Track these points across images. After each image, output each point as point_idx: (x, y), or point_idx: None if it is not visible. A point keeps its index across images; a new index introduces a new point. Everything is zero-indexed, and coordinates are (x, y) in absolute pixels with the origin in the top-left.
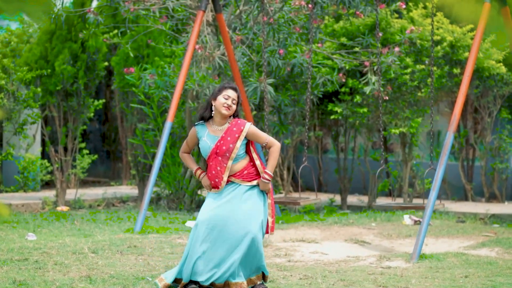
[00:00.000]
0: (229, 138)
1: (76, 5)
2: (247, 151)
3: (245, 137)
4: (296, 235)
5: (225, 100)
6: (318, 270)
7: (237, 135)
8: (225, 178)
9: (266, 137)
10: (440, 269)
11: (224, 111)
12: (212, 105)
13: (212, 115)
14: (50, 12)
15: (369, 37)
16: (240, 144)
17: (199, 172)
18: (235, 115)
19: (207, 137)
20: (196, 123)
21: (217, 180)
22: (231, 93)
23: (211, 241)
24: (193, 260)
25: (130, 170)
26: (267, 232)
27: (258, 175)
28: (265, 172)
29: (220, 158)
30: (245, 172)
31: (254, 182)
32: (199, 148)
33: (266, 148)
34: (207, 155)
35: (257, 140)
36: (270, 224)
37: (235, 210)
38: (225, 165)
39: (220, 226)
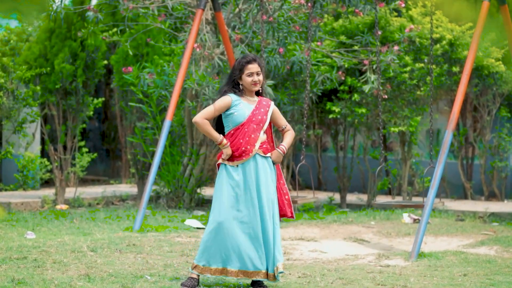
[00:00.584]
0: (262, 110)
1: (75, 3)
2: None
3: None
4: (295, 234)
5: (250, 77)
6: (317, 269)
7: (267, 109)
8: (256, 147)
9: (286, 122)
10: (439, 267)
11: (255, 88)
12: (238, 83)
13: (241, 89)
14: (45, 11)
15: (368, 36)
16: (269, 117)
17: (225, 140)
18: (262, 90)
19: (244, 105)
20: (228, 92)
21: (248, 147)
22: (252, 67)
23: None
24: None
25: (130, 168)
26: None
27: (272, 148)
28: (282, 145)
29: (255, 126)
30: (264, 146)
31: (268, 154)
32: (219, 119)
33: (283, 133)
34: (241, 122)
35: (278, 121)
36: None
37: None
38: (258, 134)
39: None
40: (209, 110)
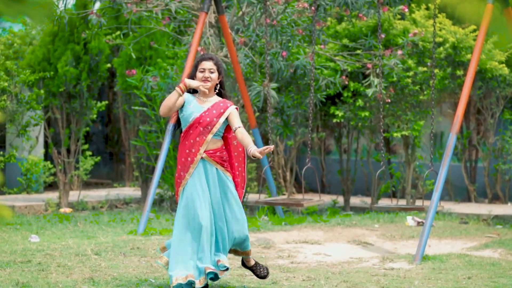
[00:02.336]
0: (214, 112)
1: (78, 7)
2: (224, 137)
3: (226, 119)
4: (299, 237)
5: (202, 73)
6: (321, 272)
7: (222, 111)
8: (201, 151)
9: (240, 123)
10: (443, 270)
11: (205, 85)
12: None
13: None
14: (52, 14)
15: (372, 39)
16: (223, 120)
17: (181, 84)
18: (222, 92)
19: (194, 105)
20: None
21: (193, 150)
22: (205, 64)
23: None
24: None
25: (133, 171)
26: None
27: (227, 162)
28: (251, 149)
29: (201, 129)
30: (218, 153)
31: (228, 174)
32: (176, 121)
33: (234, 132)
34: (188, 123)
35: (233, 121)
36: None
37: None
38: (204, 137)
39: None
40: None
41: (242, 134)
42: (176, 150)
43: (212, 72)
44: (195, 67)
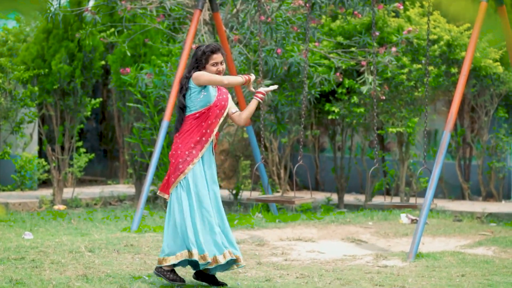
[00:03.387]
0: (224, 96)
1: (72, 4)
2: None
3: None
4: (293, 234)
5: (215, 67)
6: (315, 269)
7: (225, 96)
8: (214, 132)
9: (236, 109)
10: (437, 268)
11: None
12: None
13: None
14: (45, 10)
15: (366, 36)
16: (229, 105)
17: (247, 77)
18: None
19: (212, 88)
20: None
21: (208, 131)
22: (217, 57)
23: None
24: None
25: (127, 169)
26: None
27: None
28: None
29: (218, 111)
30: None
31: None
32: (182, 106)
33: (232, 116)
34: (208, 104)
35: (231, 108)
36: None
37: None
38: (218, 119)
39: None
40: (210, 75)
41: (243, 112)
42: (170, 147)
43: (222, 64)
44: (205, 59)
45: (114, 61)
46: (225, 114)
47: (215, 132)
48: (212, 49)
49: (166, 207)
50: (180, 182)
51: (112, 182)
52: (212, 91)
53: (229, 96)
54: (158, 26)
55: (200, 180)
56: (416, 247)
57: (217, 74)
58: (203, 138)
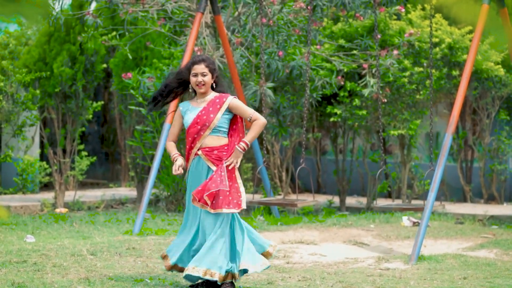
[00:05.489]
0: (211, 109)
1: (74, 8)
2: (231, 134)
3: (229, 111)
4: (295, 237)
5: (195, 78)
6: (317, 272)
7: (218, 106)
8: (197, 145)
9: (251, 112)
10: (439, 270)
11: (200, 90)
12: (186, 82)
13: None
14: (48, 14)
15: (368, 39)
16: (221, 115)
17: (176, 155)
18: (219, 89)
19: (190, 109)
20: (179, 104)
21: (192, 145)
22: (197, 68)
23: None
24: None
25: (129, 172)
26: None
27: (220, 159)
28: (243, 141)
29: (199, 127)
30: (215, 152)
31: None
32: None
33: (251, 122)
34: (187, 127)
35: (241, 113)
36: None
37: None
38: (202, 133)
39: None
40: (171, 130)
41: (252, 126)
42: None
43: (204, 75)
44: (188, 70)
45: (116, 64)
46: (212, 126)
47: (197, 146)
48: (194, 60)
49: (168, 210)
50: None
51: (114, 185)
52: (190, 114)
53: (229, 103)
54: (159, 29)
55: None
56: (418, 249)
57: (198, 85)
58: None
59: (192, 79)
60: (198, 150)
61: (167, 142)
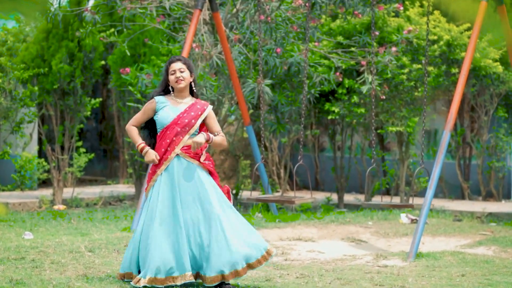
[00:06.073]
0: (192, 113)
1: (72, 4)
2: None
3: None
4: (293, 234)
5: (173, 75)
6: (315, 269)
7: (199, 113)
8: (176, 150)
9: (219, 129)
10: (437, 267)
11: (179, 85)
12: (168, 85)
13: (171, 90)
14: (46, 11)
15: (366, 36)
16: (200, 122)
17: (142, 145)
18: (194, 91)
19: (169, 108)
20: (154, 96)
21: (169, 149)
22: (174, 65)
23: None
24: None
25: (127, 168)
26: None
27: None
28: (208, 134)
29: (179, 129)
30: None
31: (196, 162)
32: (148, 123)
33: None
34: (166, 124)
35: (212, 125)
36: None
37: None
38: (181, 137)
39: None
40: (137, 115)
41: (221, 139)
42: None
43: (182, 72)
44: (166, 71)
45: (114, 61)
46: (192, 131)
47: (177, 150)
48: (170, 60)
49: None
50: None
51: (112, 182)
52: (168, 111)
53: (208, 112)
54: (158, 26)
55: (161, 199)
56: (416, 246)
57: (177, 81)
58: (163, 156)
59: (171, 78)
60: (177, 151)
61: (130, 126)
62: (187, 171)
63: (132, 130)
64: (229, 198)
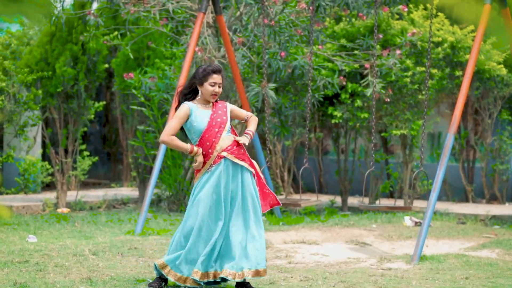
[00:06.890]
0: (219, 112)
1: (76, 7)
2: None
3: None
4: (297, 237)
5: (212, 87)
6: (319, 272)
7: (224, 110)
8: (218, 148)
9: (246, 113)
10: (441, 270)
11: (212, 99)
12: (196, 88)
13: (198, 96)
14: (50, 14)
15: (370, 39)
16: (229, 116)
17: (196, 149)
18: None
19: (201, 112)
20: (184, 102)
21: (210, 150)
22: (216, 78)
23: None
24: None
25: (131, 172)
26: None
27: (244, 154)
28: (247, 130)
29: (216, 129)
30: (235, 147)
31: (243, 163)
32: (184, 129)
33: (246, 122)
34: (203, 130)
35: (239, 114)
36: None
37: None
38: (219, 135)
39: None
40: (173, 124)
41: (250, 122)
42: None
43: (220, 87)
44: (204, 77)
45: (118, 64)
46: (227, 127)
47: (218, 148)
48: (214, 69)
49: (170, 210)
50: None
51: (115, 185)
52: (202, 116)
53: (230, 107)
54: (161, 29)
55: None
56: (420, 249)
57: (213, 95)
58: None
59: (209, 88)
60: (220, 153)
61: (169, 136)
62: (233, 172)
63: (174, 139)
64: (277, 203)
